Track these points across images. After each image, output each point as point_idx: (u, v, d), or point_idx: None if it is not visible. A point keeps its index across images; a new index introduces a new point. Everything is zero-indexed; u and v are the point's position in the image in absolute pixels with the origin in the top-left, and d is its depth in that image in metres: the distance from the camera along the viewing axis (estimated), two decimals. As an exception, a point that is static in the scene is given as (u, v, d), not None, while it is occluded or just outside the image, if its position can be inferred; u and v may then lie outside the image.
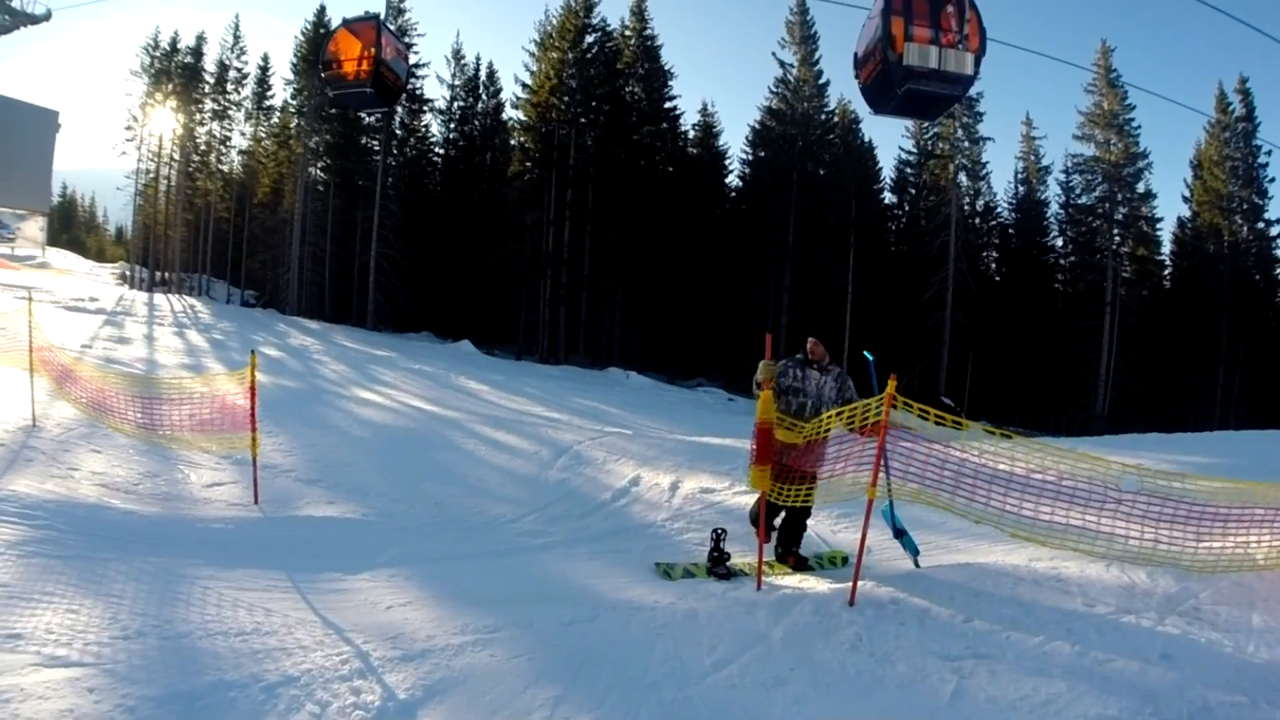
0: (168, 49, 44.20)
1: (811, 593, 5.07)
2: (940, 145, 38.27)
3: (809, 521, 6.19)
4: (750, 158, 40.68)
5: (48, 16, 31.60)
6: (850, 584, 4.83)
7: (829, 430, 5.50)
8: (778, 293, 36.17)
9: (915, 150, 39.54)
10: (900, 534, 5.72)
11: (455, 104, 44.25)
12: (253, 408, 6.86)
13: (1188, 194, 36.86)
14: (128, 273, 46.86)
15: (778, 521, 6.18)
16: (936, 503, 4.85)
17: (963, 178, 37.88)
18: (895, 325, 35.56)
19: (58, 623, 4.06)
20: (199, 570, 5.00)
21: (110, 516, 6.12)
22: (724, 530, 5.86)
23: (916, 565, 5.62)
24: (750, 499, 7.00)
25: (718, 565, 5.80)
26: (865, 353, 6.13)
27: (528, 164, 38.33)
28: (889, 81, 9.44)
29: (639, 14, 40.66)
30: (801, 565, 5.97)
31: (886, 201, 41.05)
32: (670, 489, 7.79)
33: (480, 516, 7.23)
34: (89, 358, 12.51)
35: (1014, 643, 4.16)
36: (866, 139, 40.52)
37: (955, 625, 4.39)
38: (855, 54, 10.17)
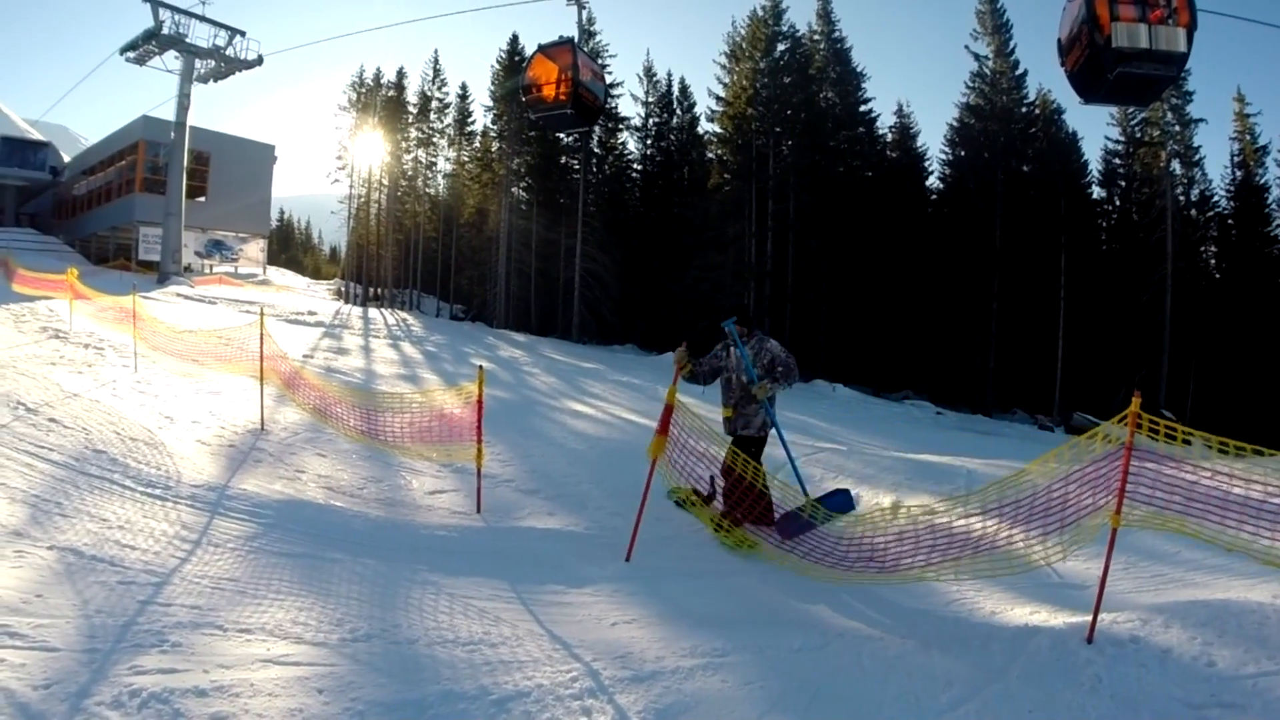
0: (372, 84, 48.57)
1: (1046, 626, 4.73)
2: (1149, 131, 35.00)
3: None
4: (950, 158, 39.19)
5: (260, 61, 35.57)
6: (1089, 618, 4.46)
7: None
8: (985, 298, 34.62)
9: (1122, 139, 36.40)
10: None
11: (650, 120, 45.47)
12: (479, 420, 6.98)
13: None
14: (342, 288, 51.04)
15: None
16: (1185, 530, 4.33)
17: (1175, 165, 34.36)
18: (1109, 331, 32.99)
19: (286, 619, 4.19)
20: (424, 575, 5.09)
21: (335, 518, 6.37)
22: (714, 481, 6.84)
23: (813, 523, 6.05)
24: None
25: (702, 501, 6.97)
26: (724, 324, 6.84)
27: (726, 176, 38.90)
28: (1099, 67, 9.26)
29: (826, 17, 40.30)
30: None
31: (1095, 196, 38.00)
32: (892, 510, 7.35)
33: (701, 533, 7.02)
34: (310, 367, 13.37)
35: (1260, 690, 3.87)
36: (1070, 130, 37.89)
37: (1198, 669, 4.10)
38: (1058, 40, 10.02)
